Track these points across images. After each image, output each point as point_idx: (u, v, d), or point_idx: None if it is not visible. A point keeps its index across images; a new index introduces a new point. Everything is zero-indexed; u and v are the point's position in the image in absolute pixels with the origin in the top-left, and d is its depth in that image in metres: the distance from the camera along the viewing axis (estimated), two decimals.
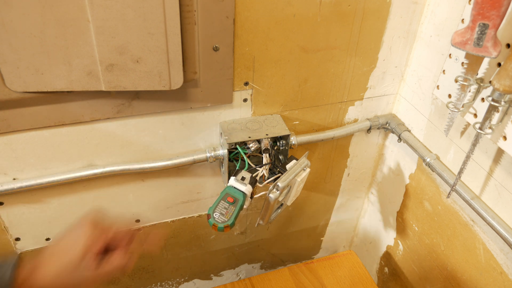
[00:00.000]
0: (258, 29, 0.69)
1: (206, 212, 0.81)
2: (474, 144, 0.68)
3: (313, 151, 0.94)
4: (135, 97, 0.69)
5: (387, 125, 0.93)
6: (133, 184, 0.83)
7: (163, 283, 1.10)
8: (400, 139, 0.90)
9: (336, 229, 1.22)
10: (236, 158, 0.79)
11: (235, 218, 0.67)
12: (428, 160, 0.82)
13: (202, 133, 0.80)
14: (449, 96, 0.73)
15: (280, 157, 0.81)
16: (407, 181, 0.96)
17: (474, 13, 0.54)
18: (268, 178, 0.77)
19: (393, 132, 0.92)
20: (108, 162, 0.77)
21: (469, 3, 0.66)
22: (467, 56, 0.64)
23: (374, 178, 1.10)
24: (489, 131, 0.64)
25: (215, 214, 0.66)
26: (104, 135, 0.73)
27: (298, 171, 0.72)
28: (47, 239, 0.84)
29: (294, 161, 0.76)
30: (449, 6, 0.72)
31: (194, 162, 0.80)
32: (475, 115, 0.67)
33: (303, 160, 0.74)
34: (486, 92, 0.64)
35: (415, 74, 0.85)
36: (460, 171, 0.73)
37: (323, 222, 1.18)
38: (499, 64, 0.62)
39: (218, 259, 1.11)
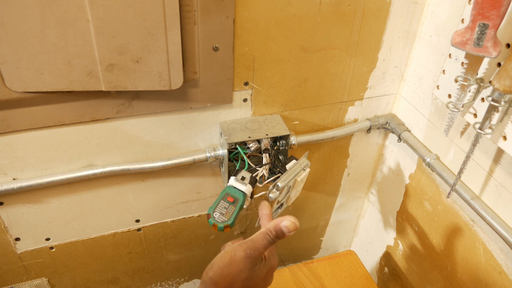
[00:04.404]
0: (258, 29, 0.69)
1: (206, 212, 0.81)
2: (474, 144, 0.68)
3: (313, 151, 0.94)
4: (135, 97, 0.69)
5: (387, 125, 0.93)
6: (133, 184, 0.83)
7: (163, 283, 1.10)
8: (400, 139, 0.90)
9: (336, 229, 1.22)
10: (236, 158, 0.79)
11: (235, 218, 0.67)
12: (428, 160, 0.82)
13: (202, 133, 0.80)
14: (449, 96, 0.73)
15: (280, 157, 0.81)
16: (407, 181, 0.96)
17: (474, 13, 0.54)
18: (268, 178, 0.77)
19: (393, 132, 0.92)
20: (108, 162, 0.77)
21: (469, 3, 0.66)
22: (467, 56, 0.64)
23: (374, 178, 1.10)
24: (489, 131, 0.64)
25: (215, 214, 0.66)
26: (104, 135, 0.73)
27: (298, 171, 0.72)
28: (47, 239, 0.84)
29: (294, 161, 0.76)
30: (449, 6, 0.72)
31: (194, 162, 0.80)
32: (475, 115, 0.67)
33: (303, 160, 0.74)
34: (486, 92, 0.64)
35: (415, 74, 0.85)
36: (460, 171, 0.73)
37: (323, 222, 1.18)
38: (499, 64, 0.62)
39: None
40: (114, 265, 0.97)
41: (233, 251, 0.49)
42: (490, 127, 0.64)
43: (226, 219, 0.66)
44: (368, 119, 0.92)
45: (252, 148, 0.77)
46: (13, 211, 0.77)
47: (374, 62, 0.82)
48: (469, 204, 0.75)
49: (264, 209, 0.58)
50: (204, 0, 0.61)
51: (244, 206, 0.70)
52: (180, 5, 0.59)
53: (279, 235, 0.50)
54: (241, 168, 0.76)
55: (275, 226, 0.50)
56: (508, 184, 0.68)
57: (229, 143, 0.74)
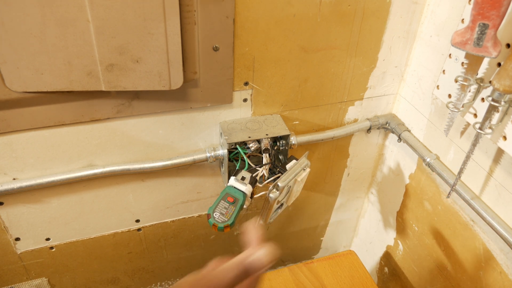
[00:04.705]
0: (258, 29, 0.69)
1: (206, 212, 0.81)
2: (474, 144, 0.68)
3: (313, 151, 0.94)
4: (135, 97, 0.69)
5: (387, 125, 0.93)
6: (133, 184, 0.83)
7: (163, 283, 1.10)
8: (400, 139, 0.90)
9: (336, 229, 1.22)
10: (236, 158, 0.78)
11: (235, 218, 0.67)
12: (428, 160, 0.82)
13: (202, 133, 0.80)
14: (449, 96, 0.73)
15: (280, 157, 0.81)
16: (407, 181, 0.96)
17: (474, 13, 0.54)
18: (268, 178, 0.77)
19: (393, 132, 0.92)
20: (108, 162, 0.77)
21: (469, 3, 0.66)
22: (467, 56, 0.64)
23: (374, 178, 1.10)
24: (489, 131, 0.64)
25: (215, 214, 0.66)
26: (104, 135, 0.73)
27: (298, 171, 0.72)
28: (47, 239, 0.84)
29: (294, 161, 0.76)
30: (449, 6, 0.72)
31: (194, 162, 0.80)
32: (475, 115, 0.67)
33: (303, 160, 0.74)
34: (486, 92, 0.64)
35: (415, 74, 0.85)
36: (460, 171, 0.73)
37: (323, 222, 1.18)
38: (499, 64, 0.62)
39: None
40: (114, 265, 0.97)
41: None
42: (490, 127, 0.64)
43: (226, 219, 0.66)
44: (368, 119, 0.92)
45: (252, 148, 0.77)
46: (13, 211, 0.77)
47: (374, 62, 0.82)
48: (469, 204, 0.75)
49: (250, 232, 0.43)
50: (204, 0, 0.62)
51: (244, 206, 0.70)
52: (180, 5, 0.59)
53: (248, 271, 0.38)
54: (241, 168, 0.76)
55: (245, 258, 0.39)
56: (508, 184, 0.68)
57: (229, 143, 0.74)
